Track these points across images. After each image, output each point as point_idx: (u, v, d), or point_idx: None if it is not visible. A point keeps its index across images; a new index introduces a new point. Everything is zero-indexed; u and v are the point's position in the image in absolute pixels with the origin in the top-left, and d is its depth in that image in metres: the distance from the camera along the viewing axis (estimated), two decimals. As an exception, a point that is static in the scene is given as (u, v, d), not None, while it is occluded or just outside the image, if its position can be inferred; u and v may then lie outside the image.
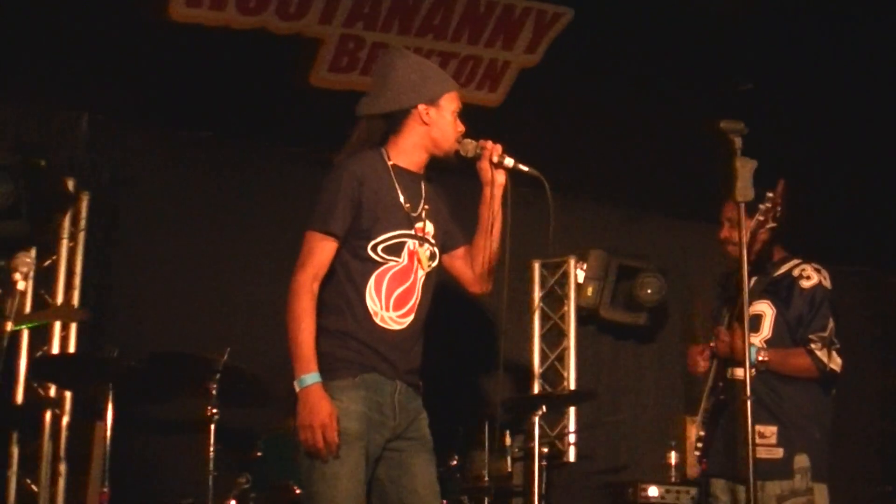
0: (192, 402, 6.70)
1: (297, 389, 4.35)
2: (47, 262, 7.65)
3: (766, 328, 5.89)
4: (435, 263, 4.68)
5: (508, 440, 7.94)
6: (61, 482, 7.49)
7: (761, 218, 5.57)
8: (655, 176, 9.19)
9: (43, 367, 7.25)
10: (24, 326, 7.09)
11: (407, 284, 4.55)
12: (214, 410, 6.31)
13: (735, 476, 5.83)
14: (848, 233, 9.75)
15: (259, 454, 6.63)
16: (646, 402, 9.91)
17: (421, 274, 4.60)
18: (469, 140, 4.73)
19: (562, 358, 9.43)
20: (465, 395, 8.39)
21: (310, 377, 4.33)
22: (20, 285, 4.63)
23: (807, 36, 7.82)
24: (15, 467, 7.38)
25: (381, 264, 4.51)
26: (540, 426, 7.43)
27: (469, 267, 4.83)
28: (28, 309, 7.28)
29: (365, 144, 4.69)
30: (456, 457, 6.94)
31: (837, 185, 9.25)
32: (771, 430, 5.75)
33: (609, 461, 9.53)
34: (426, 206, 4.68)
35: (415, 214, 4.62)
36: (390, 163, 4.66)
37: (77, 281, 7.69)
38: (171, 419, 7.56)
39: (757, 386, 5.65)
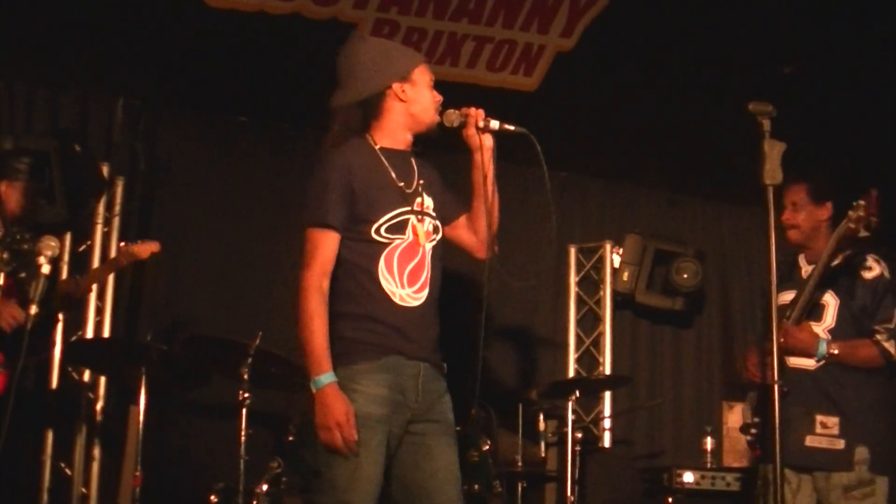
0: (225, 386, 6.73)
1: (313, 391, 4.31)
2: (82, 248, 7.68)
3: (830, 318, 5.84)
4: (438, 236, 4.65)
5: (543, 425, 7.91)
6: (95, 466, 7.56)
7: (852, 226, 5.55)
8: (693, 160, 9.14)
9: (77, 352, 7.31)
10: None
11: (416, 260, 4.51)
12: (246, 395, 6.32)
13: (789, 462, 5.67)
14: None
15: (291, 438, 6.63)
16: (682, 387, 9.85)
17: (428, 248, 4.57)
18: (451, 110, 4.68)
19: (597, 343, 9.40)
20: (499, 379, 8.39)
21: (324, 377, 4.29)
22: (45, 269, 4.61)
23: (851, 16, 7.73)
24: (49, 451, 7.44)
25: (388, 244, 4.47)
26: (574, 411, 7.41)
27: (472, 234, 4.80)
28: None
29: (346, 135, 4.65)
30: (489, 442, 6.90)
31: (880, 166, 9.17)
32: (833, 421, 5.70)
33: (644, 447, 9.50)
34: (420, 182, 4.63)
35: (410, 191, 4.57)
36: (377, 146, 4.61)
37: (112, 266, 7.71)
38: (203, 403, 7.60)
39: (820, 376, 5.76)
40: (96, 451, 7.56)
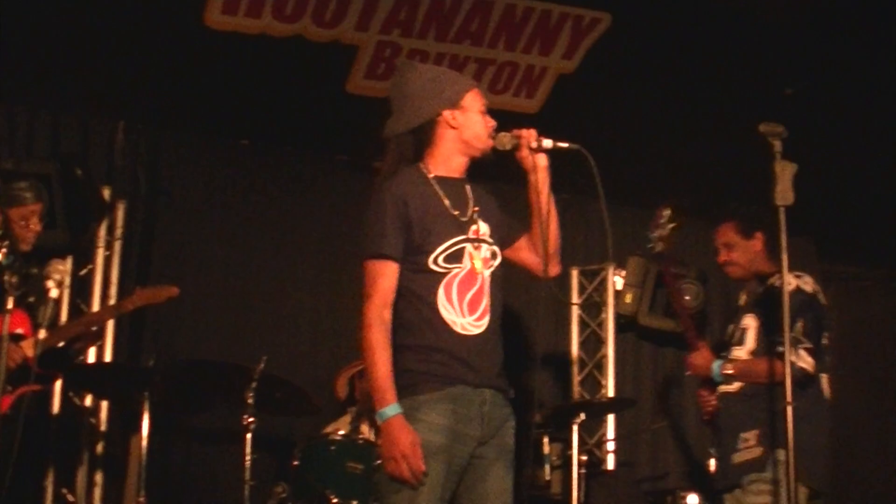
0: (229, 410, 6.70)
1: (379, 423, 4.30)
2: (84, 271, 7.66)
3: (751, 340, 5.98)
4: (497, 262, 4.60)
5: (547, 448, 7.88)
6: (97, 491, 7.52)
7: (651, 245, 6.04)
8: (696, 181, 9.12)
9: (79, 377, 7.25)
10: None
11: (476, 288, 4.48)
12: (251, 419, 6.30)
13: (721, 485, 6.03)
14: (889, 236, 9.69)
15: (296, 463, 6.60)
16: (685, 409, 9.82)
17: (486, 275, 4.52)
18: (503, 133, 4.66)
19: (600, 365, 9.37)
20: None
21: (389, 409, 4.26)
22: (53, 293, 4.61)
23: (850, 38, 7.74)
24: (52, 477, 7.40)
25: (446, 274, 4.44)
26: (579, 434, 7.37)
27: (534, 255, 4.75)
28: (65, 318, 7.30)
29: (400, 164, 4.64)
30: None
31: (886, 187, 9.18)
32: (753, 434, 5.79)
33: (648, 469, 9.46)
34: (476, 209, 4.60)
35: (465, 219, 4.54)
36: (431, 175, 4.59)
37: (113, 290, 7.71)
38: (207, 428, 7.57)
39: (743, 396, 5.88)
40: (98, 477, 7.52)
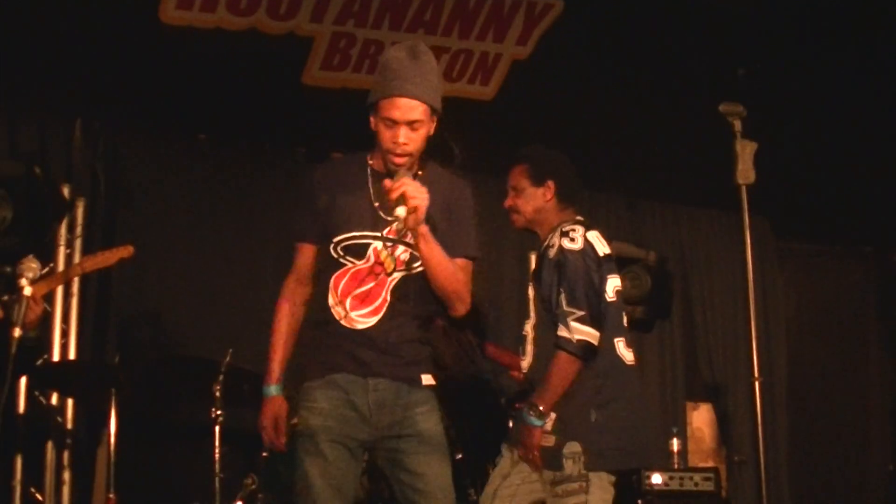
0: (197, 404, 6.71)
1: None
2: (45, 270, 7.62)
3: (532, 312, 5.52)
4: (418, 267, 4.46)
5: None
6: (66, 490, 7.48)
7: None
8: (652, 164, 9.20)
9: (45, 376, 7.24)
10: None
11: (370, 286, 4.45)
12: (219, 412, 6.33)
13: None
14: (851, 212, 9.80)
15: (265, 455, 6.61)
16: (646, 389, 9.87)
17: (394, 276, 4.46)
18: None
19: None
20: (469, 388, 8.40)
21: (265, 390, 4.63)
22: (27, 290, 4.63)
23: (802, 17, 7.82)
24: (19, 476, 7.35)
25: (342, 265, 4.48)
26: (541, 417, 7.40)
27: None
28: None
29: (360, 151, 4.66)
30: (461, 450, 6.91)
31: (838, 165, 9.26)
32: (549, 419, 5.27)
33: (613, 450, 9.51)
34: None
35: (389, 218, 4.36)
36: (370, 163, 4.57)
37: (75, 288, 7.65)
38: (175, 423, 7.56)
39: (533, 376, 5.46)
40: (67, 476, 7.49)
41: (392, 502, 4.70)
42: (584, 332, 5.16)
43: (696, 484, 8.22)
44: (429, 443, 4.52)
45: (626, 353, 5.41)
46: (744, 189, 4.84)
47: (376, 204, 4.47)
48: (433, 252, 4.38)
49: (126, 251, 6.17)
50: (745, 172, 4.79)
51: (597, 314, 5.23)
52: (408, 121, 4.40)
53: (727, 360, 9.91)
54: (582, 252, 5.30)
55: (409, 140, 4.40)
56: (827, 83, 8.37)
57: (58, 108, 7.88)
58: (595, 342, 5.21)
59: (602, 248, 5.45)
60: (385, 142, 4.41)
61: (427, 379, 4.57)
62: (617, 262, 9.12)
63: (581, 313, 5.18)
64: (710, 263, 10.19)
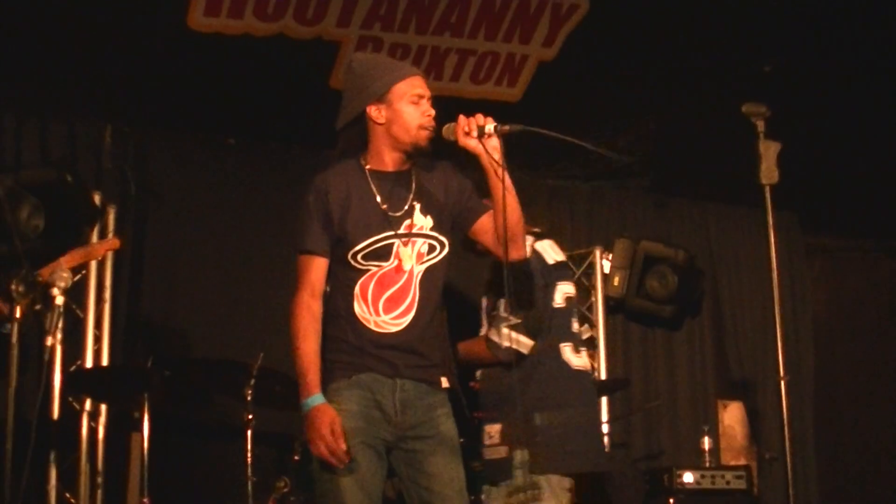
0: (228, 407, 6.75)
1: (303, 413, 4.42)
2: (77, 277, 7.68)
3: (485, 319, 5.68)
4: (437, 255, 4.57)
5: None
6: (100, 494, 7.53)
7: None
8: (680, 162, 9.20)
9: (78, 381, 7.30)
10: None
11: (398, 286, 4.49)
12: (251, 415, 6.36)
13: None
14: (881, 207, 9.78)
15: (297, 457, 6.65)
16: (677, 388, 9.89)
17: (417, 270, 4.52)
18: (449, 124, 4.52)
19: (591, 348, 9.42)
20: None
21: (311, 400, 4.40)
22: (59, 300, 4.66)
23: (828, 14, 7.81)
24: (54, 481, 7.41)
25: (365, 271, 4.48)
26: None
27: (492, 237, 4.63)
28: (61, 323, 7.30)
29: (345, 156, 4.66)
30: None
31: (869, 159, 9.25)
32: (496, 429, 5.50)
33: (643, 449, 9.53)
34: (416, 202, 4.57)
35: (398, 214, 4.51)
36: (367, 167, 4.59)
37: (107, 294, 7.71)
38: (207, 426, 7.61)
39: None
40: (100, 479, 7.54)
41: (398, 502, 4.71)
42: (513, 340, 5.32)
43: (728, 482, 8.26)
44: (447, 445, 4.54)
45: (572, 358, 5.52)
46: (767, 189, 4.84)
47: (384, 206, 4.52)
48: (507, 177, 4.47)
49: (112, 243, 6.18)
50: (769, 172, 4.80)
51: (534, 323, 5.36)
52: (428, 95, 4.60)
53: (757, 357, 9.90)
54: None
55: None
56: (857, 76, 8.34)
57: (88, 115, 7.95)
58: (526, 351, 5.36)
59: (554, 256, 5.61)
60: (413, 119, 4.54)
61: (445, 382, 4.62)
62: (645, 261, 9.29)
63: (516, 321, 5.33)
64: (738, 261, 10.19)
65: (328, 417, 4.33)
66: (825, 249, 10.73)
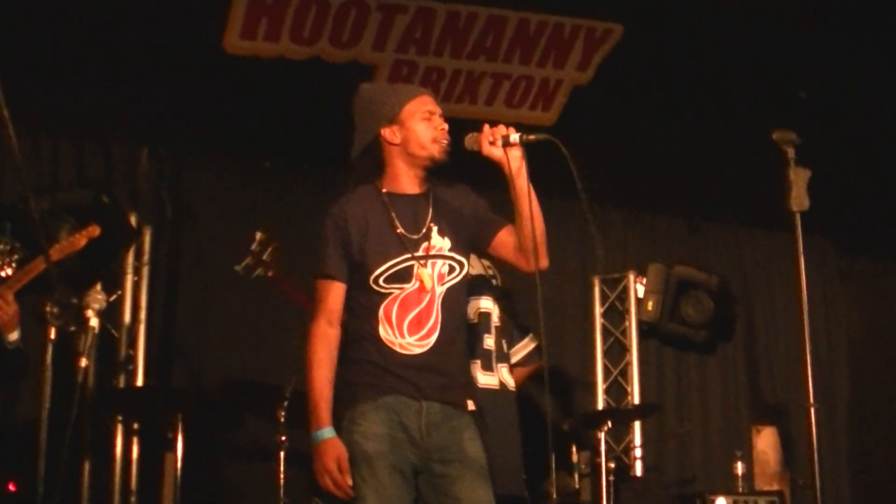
0: (262, 429, 6.77)
1: (313, 444, 4.39)
2: (113, 297, 7.73)
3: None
4: (457, 275, 4.58)
5: (575, 457, 7.94)
6: (133, 514, 7.57)
7: None
8: (714, 187, 9.19)
9: (111, 401, 7.34)
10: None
11: (421, 307, 4.49)
12: (283, 437, 6.38)
13: None
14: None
15: (329, 480, 6.66)
16: (710, 412, 9.88)
17: (439, 291, 4.52)
18: (471, 134, 4.52)
19: (625, 373, 9.44)
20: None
21: (320, 434, 4.36)
22: (93, 322, 4.69)
23: (862, 42, 7.80)
24: (86, 502, 7.44)
25: (387, 295, 4.47)
26: (606, 441, 7.46)
27: (513, 250, 4.61)
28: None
29: (357, 186, 4.66)
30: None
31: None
32: None
33: (677, 473, 9.51)
34: (434, 224, 4.58)
35: (416, 237, 4.51)
36: (384, 190, 4.59)
37: (143, 315, 7.77)
38: (240, 447, 7.61)
39: None
40: (134, 499, 7.57)
41: None
42: (499, 381, 5.40)
43: (761, 508, 8.22)
44: (474, 468, 4.49)
45: (480, 376, 5.43)
46: (798, 216, 4.83)
47: (401, 230, 4.52)
48: (531, 187, 4.47)
49: (93, 231, 6.20)
50: (799, 199, 4.79)
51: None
52: (439, 112, 4.65)
53: (790, 382, 9.86)
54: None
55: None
56: (890, 99, 8.33)
57: (124, 137, 8.00)
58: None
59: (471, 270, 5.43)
60: (427, 134, 4.56)
61: (471, 405, 4.59)
62: (679, 285, 9.28)
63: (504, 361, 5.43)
64: (771, 286, 10.18)
65: (335, 452, 4.32)
66: (860, 274, 10.68)
